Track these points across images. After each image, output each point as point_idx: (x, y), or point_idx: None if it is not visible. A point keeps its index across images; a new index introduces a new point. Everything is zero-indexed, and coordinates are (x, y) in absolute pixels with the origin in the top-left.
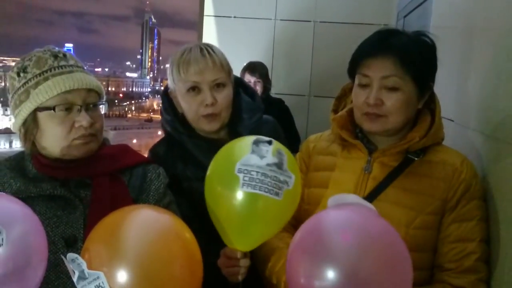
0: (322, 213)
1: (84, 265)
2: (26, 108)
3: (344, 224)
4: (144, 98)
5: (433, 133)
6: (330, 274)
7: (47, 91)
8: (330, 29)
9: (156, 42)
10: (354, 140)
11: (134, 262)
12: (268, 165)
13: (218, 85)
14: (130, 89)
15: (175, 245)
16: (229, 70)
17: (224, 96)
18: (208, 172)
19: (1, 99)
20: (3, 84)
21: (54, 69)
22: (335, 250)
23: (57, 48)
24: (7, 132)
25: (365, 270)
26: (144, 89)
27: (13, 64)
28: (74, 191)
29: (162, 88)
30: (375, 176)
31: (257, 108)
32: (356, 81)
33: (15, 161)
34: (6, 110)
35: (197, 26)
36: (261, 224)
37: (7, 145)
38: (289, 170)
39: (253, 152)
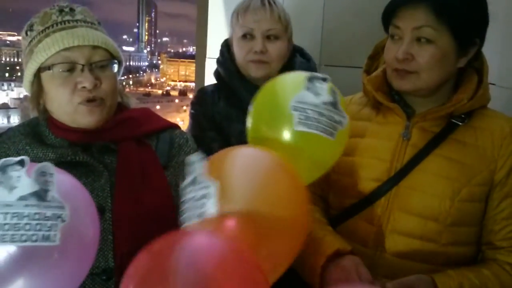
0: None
1: (203, 170)
2: (30, 69)
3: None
4: (141, 72)
5: (480, 95)
6: None
7: (45, 49)
8: None
9: (153, 15)
10: (391, 103)
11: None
12: (324, 103)
13: (271, 36)
14: (127, 63)
15: (286, 180)
16: (286, 25)
17: (276, 47)
18: (253, 110)
19: None
20: None
21: (56, 25)
22: None
23: (68, 3)
24: (4, 107)
25: None
26: (141, 63)
27: (8, 38)
28: (98, 156)
29: (160, 62)
30: (415, 143)
31: (311, 69)
32: (389, 34)
33: (29, 127)
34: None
35: None
36: (307, 165)
37: (5, 120)
38: (343, 110)
39: (307, 89)
